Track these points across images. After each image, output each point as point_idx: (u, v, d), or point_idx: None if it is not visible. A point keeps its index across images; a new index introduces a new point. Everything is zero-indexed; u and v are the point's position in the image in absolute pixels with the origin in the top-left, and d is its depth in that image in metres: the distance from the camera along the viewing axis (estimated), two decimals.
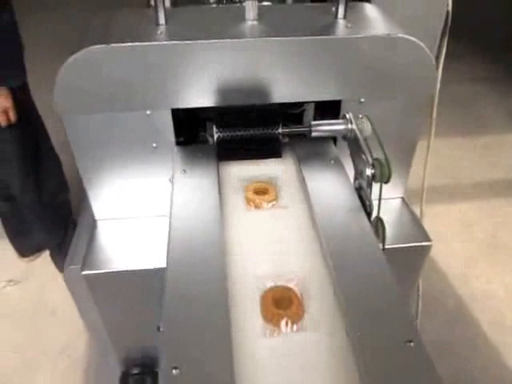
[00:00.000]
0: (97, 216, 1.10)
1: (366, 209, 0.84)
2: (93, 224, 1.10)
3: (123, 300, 1.05)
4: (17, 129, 1.50)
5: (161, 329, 0.67)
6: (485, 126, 2.95)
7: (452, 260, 2.10)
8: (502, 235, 2.24)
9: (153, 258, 1.01)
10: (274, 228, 0.83)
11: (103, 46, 0.84)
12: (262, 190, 0.90)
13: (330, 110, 1.02)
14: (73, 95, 0.89)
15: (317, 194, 0.87)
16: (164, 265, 0.97)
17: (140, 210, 1.10)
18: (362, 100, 0.98)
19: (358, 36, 0.90)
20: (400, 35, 0.91)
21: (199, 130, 1.06)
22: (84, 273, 0.98)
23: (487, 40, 4.05)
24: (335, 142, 1.05)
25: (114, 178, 1.03)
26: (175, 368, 0.55)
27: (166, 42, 0.86)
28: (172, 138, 0.98)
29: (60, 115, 0.92)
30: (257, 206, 0.88)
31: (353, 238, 0.77)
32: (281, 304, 0.67)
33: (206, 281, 0.70)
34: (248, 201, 0.89)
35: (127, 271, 0.99)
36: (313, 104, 1.13)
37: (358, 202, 0.85)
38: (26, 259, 2.01)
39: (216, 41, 0.87)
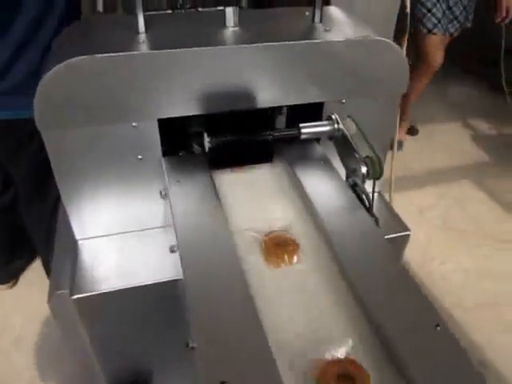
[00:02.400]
0: (78, 236, 1.05)
1: (365, 204, 0.87)
2: (73, 244, 1.05)
3: (116, 320, 1.00)
4: None
5: (190, 345, 0.65)
6: (429, 116, 3.14)
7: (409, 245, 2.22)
8: (453, 217, 2.40)
9: (144, 273, 0.98)
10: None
11: (86, 57, 0.81)
12: None
13: (302, 111, 1.05)
14: (54, 109, 0.84)
15: (313, 193, 0.88)
16: (155, 280, 0.97)
17: (124, 225, 1.06)
18: (343, 101, 1.01)
19: (339, 39, 0.93)
20: (378, 38, 0.95)
21: (183, 139, 1.04)
22: (74, 297, 0.92)
23: None
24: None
25: (96, 194, 0.98)
26: (223, 383, 0.54)
27: (152, 51, 0.84)
28: (158, 149, 0.96)
29: (40, 130, 0.86)
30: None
31: (358, 232, 0.80)
32: None
33: (227, 288, 0.69)
34: None
35: (120, 290, 0.95)
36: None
37: (354, 199, 0.88)
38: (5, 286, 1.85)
39: (202, 48, 0.86)
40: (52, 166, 0.92)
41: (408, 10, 1.22)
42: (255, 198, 0.90)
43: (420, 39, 2.62)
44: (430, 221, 2.39)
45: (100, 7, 1.92)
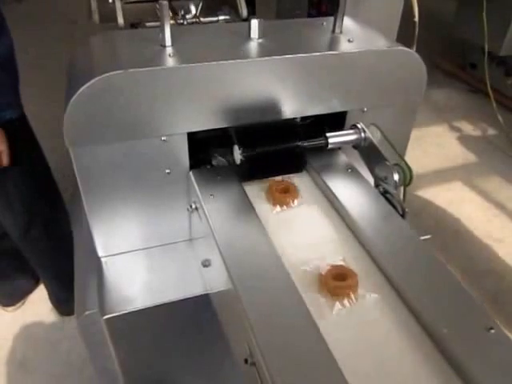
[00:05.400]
0: (101, 253, 1.02)
1: (398, 211, 0.88)
2: (96, 262, 1.02)
3: (146, 337, 0.99)
4: (17, 169, 1.29)
5: (249, 361, 0.65)
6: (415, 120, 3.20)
7: None
8: (446, 219, 2.45)
9: (173, 289, 0.96)
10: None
11: (120, 71, 0.79)
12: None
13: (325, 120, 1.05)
14: (86, 125, 0.82)
15: (348, 203, 0.89)
16: (185, 295, 0.95)
17: (148, 240, 1.04)
18: (365, 109, 1.03)
19: (363, 50, 0.94)
20: (401, 48, 0.97)
21: (210, 152, 1.03)
22: (105, 317, 0.90)
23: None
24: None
25: (123, 210, 0.97)
26: None
27: (183, 65, 0.83)
28: (186, 162, 0.95)
29: (69, 147, 0.84)
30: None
31: (400, 241, 0.80)
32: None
33: (283, 301, 0.68)
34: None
35: (150, 308, 0.93)
36: None
37: (389, 206, 0.89)
38: (11, 308, 1.78)
39: (231, 61, 0.86)
40: (79, 182, 0.90)
41: (416, 18, 1.25)
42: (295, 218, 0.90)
43: None
44: (424, 222, 2.44)
45: (96, 18, 1.90)
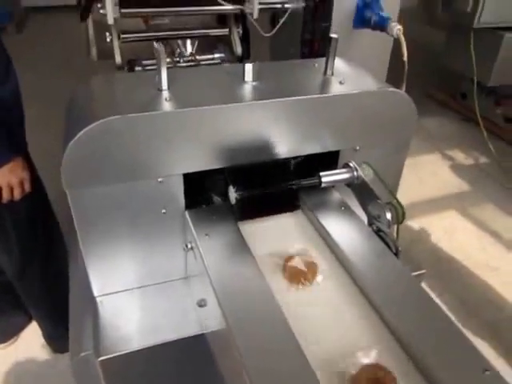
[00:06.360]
0: (96, 292, 1.02)
1: (392, 249, 0.89)
2: (91, 301, 1.02)
3: (142, 377, 0.97)
4: (16, 208, 1.28)
5: None
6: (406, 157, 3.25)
7: None
8: (442, 248, 2.45)
9: (168, 329, 0.96)
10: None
11: (119, 116, 0.81)
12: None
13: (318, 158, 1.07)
14: (84, 168, 0.84)
15: (342, 242, 0.90)
16: (180, 335, 0.95)
17: (144, 279, 1.04)
18: (357, 148, 1.05)
19: (354, 92, 0.97)
20: (389, 89, 1.00)
21: (205, 192, 1.04)
22: (101, 359, 0.89)
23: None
24: None
25: (119, 249, 0.97)
26: None
27: (180, 110, 0.86)
28: (182, 202, 0.96)
29: (66, 189, 0.85)
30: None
31: (396, 282, 0.81)
32: None
33: (278, 345, 0.69)
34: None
35: (146, 348, 0.93)
36: None
37: (382, 244, 0.90)
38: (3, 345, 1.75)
39: (227, 105, 0.89)
40: (75, 223, 0.91)
41: (405, 58, 1.29)
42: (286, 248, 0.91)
43: None
44: (419, 253, 2.44)
45: (94, 55, 1.94)
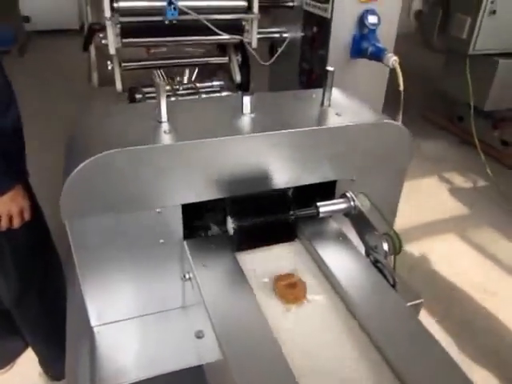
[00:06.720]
0: (94, 322, 1.02)
1: (389, 281, 0.90)
2: (89, 331, 1.01)
3: None
4: (16, 236, 1.28)
5: None
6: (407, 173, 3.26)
7: None
8: (441, 273, 2.44)
9: (166, 360, 0.95)
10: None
11: (118, 150, 0.83)
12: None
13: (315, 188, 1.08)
14: (83, 200, 0.85)
15: (340, 274, 0.90)
16: (179, 367, 0.94)
17: (141, 308, 1.04)
18: (354, 178, 1.06)
19: (351, 124, 0.99)
20: (387, 121, 1.02)
21: (204, 221, 1.05)
22: None
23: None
24: None
25: (117, 279, 0.97)
26: None
27: (178, 143, 0.87)
28: (180, 232, 0.97)
29: (65, 220, 0.86)
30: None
31: (392, 315, 0.81)
32: None
33: (273, 375, 0.68)
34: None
35: (144, 380, 0.92)
36: None
37: (379, 276, 0.90)
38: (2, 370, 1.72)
39: (225, 138, 0.90)
40: (74, 253, 0.92)
41: (401, 88, 1.31)
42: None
43: None
44: (419, 279, 2.43)
45: (95, 82, 1.98)
